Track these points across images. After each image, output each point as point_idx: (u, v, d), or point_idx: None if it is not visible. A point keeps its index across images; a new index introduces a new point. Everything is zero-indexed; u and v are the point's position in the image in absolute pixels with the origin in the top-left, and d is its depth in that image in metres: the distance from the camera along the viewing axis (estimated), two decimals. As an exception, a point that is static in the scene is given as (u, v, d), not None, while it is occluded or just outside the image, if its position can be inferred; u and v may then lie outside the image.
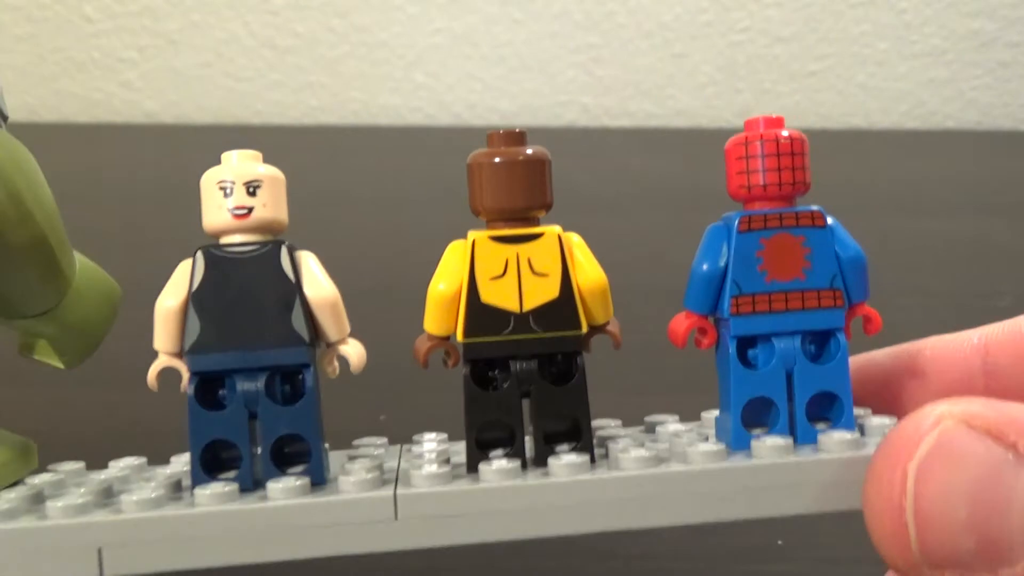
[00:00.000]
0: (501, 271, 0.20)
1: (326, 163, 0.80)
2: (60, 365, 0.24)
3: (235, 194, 0.20)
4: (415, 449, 0.23)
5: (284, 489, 0.19)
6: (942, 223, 0.29)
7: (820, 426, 0.21)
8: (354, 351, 0.20)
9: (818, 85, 0.94)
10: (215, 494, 0.19)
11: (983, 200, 0.71)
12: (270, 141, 0.89)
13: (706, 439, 0.22)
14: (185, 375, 0.20)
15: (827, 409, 0.21)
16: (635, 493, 0.19)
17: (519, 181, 0.21)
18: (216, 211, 0.20)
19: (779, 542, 0.30)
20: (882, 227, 0.53)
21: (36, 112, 0.94)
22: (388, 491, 0.19)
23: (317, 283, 0.20)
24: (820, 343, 0.20)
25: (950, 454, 0.16)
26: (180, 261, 0.22)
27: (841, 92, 0.94)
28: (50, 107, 0.94)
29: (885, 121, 0.92)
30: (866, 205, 0.35)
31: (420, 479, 0.19)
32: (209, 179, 0.20)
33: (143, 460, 0.24)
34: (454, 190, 0.58)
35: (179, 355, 0.20)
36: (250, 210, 0.20)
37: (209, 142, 0.90)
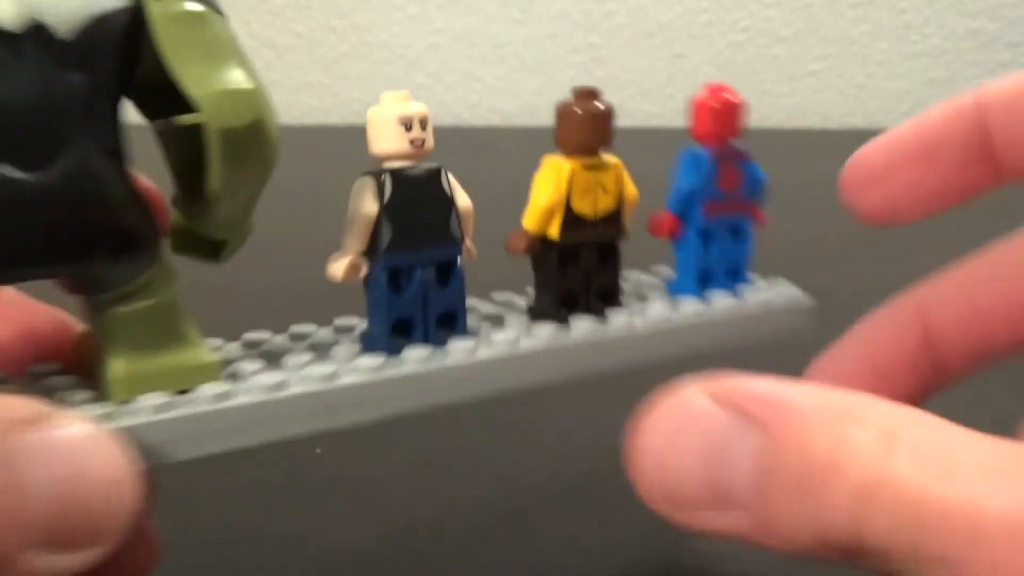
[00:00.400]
0: (586, 189, 0.29)
1: (326, 163, 0.80)
2: (216, 261, 0.26)
3: (414, 129, 0.26)
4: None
5: (503, 342, 0.26)
6: (943, 223, 0.29)
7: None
8: (473, 247, 0.27)
9: (818, 85, 0.94)
10: (424, 355, 0.25)
11: (983, 199, 0.71)
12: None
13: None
14: (364, 269, 0.26)
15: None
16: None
17: (600, 126, 0.28)
18: (397, 140, 0.26)
19: (779, 542, 0.30)
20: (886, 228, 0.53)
21: (36, 112, 0.94)
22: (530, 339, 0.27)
23: (463, 197, 0.27)
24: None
25: (681, 412, 0.19)
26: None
27: (841, 92, 0.94)
28: (50, 107, 0.95)
29: (885, 121, 0.92)
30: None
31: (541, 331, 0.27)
32: (388, 114, 0.27)
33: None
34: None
35: (363, 253, 0.26)
36: (423, 142, 0.26)
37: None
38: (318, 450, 0.35)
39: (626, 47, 0.93)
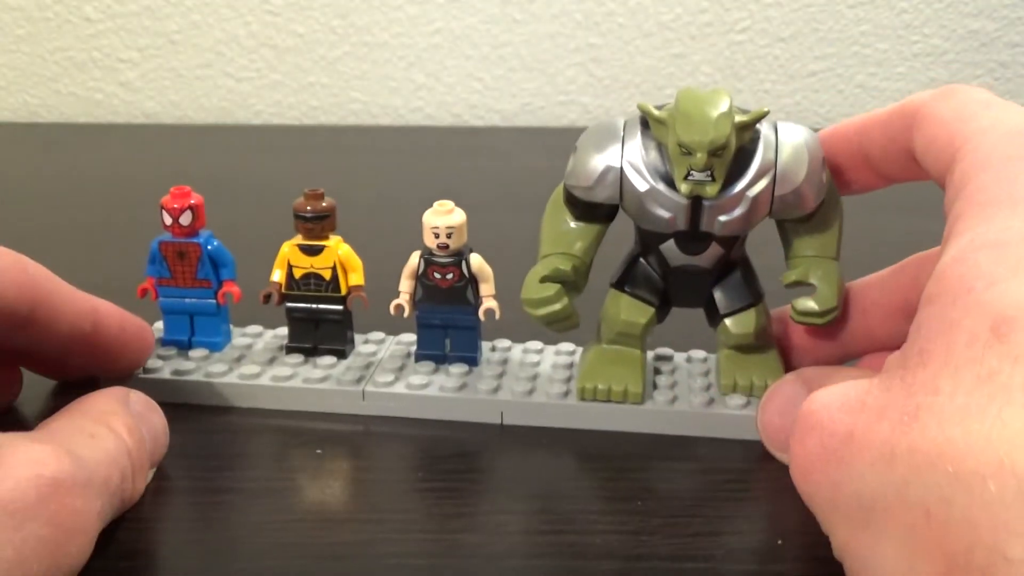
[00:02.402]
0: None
1: (326, 163, 0.80)
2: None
3: (440, 237, 0.36)
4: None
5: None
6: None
7: None
8: (495, 305, 0.37)
9: (818, 85, 0.94)
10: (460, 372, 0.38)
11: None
12: (270, 141, 0.89)
13: None
14: (408, 310, 0.38)
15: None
16: None
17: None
18: (429, 241, 0.37)
19: (779, 541, 0.30)
20: (881, 225, 0.53)
21: (36, 112, 0.94)
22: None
23: (483, 270, 0.37)
24: None
25: (778, 392, 0.33)
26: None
27: (841, 92, 0.94)
28: (50, 107, 0.94)
29: (885, 121, 0.92)
30: (866, 204, 0.35)
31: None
32: (425, 221, 0.36)
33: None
34: (454, 190, 0.58)
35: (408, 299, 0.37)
36: (447, 246, 0.37)
37: (209, 142, 0.90)
38: (318, 451, 0.35)
39: (626, 47, 0.93)
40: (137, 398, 0.32)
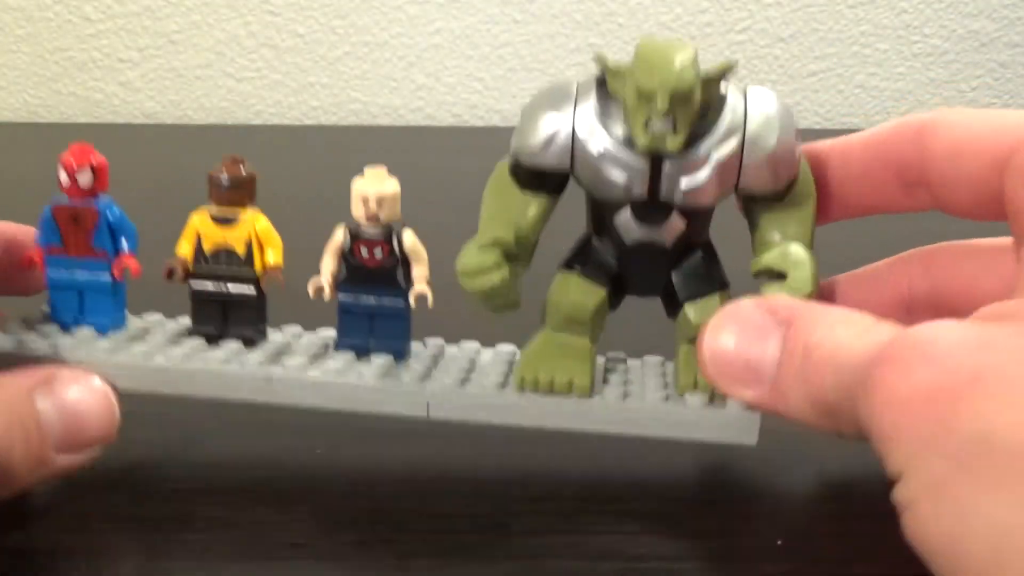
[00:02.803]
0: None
1: (326, 163, 0.80)
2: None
3: (371, 205, 0.32)
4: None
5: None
6: (942, 222, 0.29)
7: None
8: (427, 291, 0.33)
9: (818, 85, 0.94)
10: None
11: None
12: (270, 141, 0.89)
13: None
14: (329, 292, 0.33)
15: None
16: None
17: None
18: (357, 210, 0.33)
19: (778, 542, 0.30)
20: (881, 226, 0.53)
21: (36, 112, 0.94)
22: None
23: (417, 251, 0.33)
24: None
25: (737, 315, 0.28)
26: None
27: (841, 92, 0.94)
28: (50, 107, 0.94)
29: (885, 121, 0.92)
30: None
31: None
32: (354, 189, 0.33)
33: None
34: (454, 190, 0.58)
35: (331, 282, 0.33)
36: (377, 217, 0.33)
37: (209, 142, 0.90)
38: (318, 451, 0.35)
39: (626, 47, 0.93)
40: (65, 376, 0.30)
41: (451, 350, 0.35)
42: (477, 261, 0.30)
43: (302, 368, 0.32)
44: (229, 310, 0.34)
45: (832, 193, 0.32)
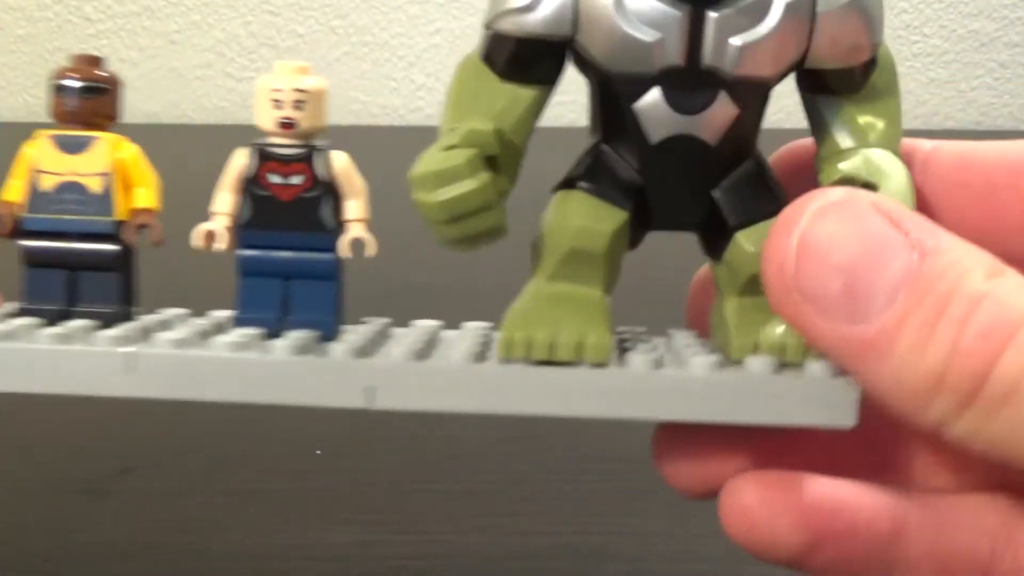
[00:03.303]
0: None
1: (326, 163, 0.80)
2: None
3: (285, 108, 0.24)
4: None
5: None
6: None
7: None
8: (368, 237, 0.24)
9: (818, 85, 0.94)
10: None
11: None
12: (270, 141, 0.89)
13: None
14: (227, 239, 0.24)
15: None
16: None
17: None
18: (265, 116, 0.24)
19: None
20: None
21: (36, 112, 0.94)
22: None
23: (351, 182, 0.25)
24: None
25: (849, 211, 0.19)
26: (179, 259, 0.22)
27: (841, 92, 0.94)
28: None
29: (885, 121, 0.92)
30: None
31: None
32: (261, 86, 0.24)
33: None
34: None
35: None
36: (294, 123, 0.24)
37: (209, 142, 0.90)
38: (318, 451, 0.35)
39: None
40: None
41: (400, 329, 0.25)
42: (441, 162, 0.21)
43: (176, 344, 0.22)
44: (79, 280, 0.25)
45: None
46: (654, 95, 0.22)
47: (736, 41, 0.21)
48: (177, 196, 0.39)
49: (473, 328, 0.24)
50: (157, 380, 0.22)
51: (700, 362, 0.21)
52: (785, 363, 0.22)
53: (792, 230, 0.19)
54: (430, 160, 0.22)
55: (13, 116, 0.94)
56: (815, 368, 0.21)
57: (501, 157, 0.22)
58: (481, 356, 0.22)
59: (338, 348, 0.22)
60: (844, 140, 0.23)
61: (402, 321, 0.26)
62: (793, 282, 0.19)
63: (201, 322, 0.25)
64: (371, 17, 0.92)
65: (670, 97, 0.22)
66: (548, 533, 0.30)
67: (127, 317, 0.24)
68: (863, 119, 0.23)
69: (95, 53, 0.26)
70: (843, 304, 0.18)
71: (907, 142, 0.24)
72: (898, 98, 0.24)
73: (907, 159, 0.23)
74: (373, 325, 0.24)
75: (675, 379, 0.21)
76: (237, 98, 0.94)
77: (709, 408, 0.21)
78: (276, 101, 0.24)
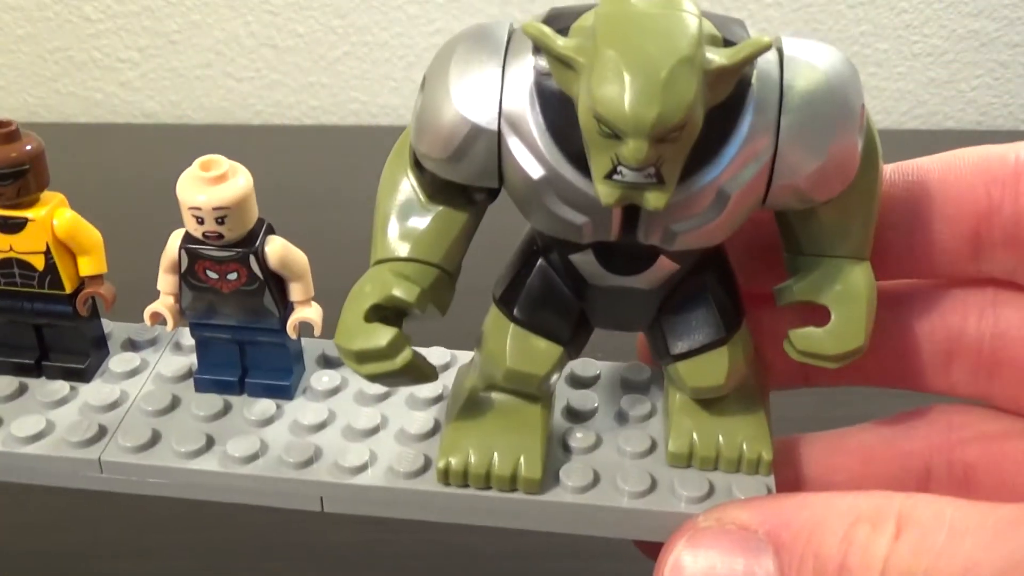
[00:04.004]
0: None
1: (326, 163, 0.80)
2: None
3: (207, 223, 0.23)
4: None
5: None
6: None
7: None
8: (310, 315, 0.25)
9: (818, 85, 0.94)
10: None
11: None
12: (270, 141, 0.89)
13: None
14: (172, 321, 0.25)
15: None
16: None
17: None
18: (193, 228, 0.24)
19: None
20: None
21: (36, 112, 0.94)
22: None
23: (291, 264, 0.25)
24: None
25: (697, 549, 0.19)
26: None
27: (841, 92, 0.94)
28: (50, 107, 0.94)
29: (885, 121, 0.92)
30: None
31: None
32: (182, 199, 0.23)
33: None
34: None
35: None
36: (220, 235, 0.23)
37: (209, 142, 0.90)
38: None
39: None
40: None
41: (354, 379, 0.25)
42: (363, 343, 0.21)
43: (141, 447, 0.23)
44: (46, 331, 0.25)
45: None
46: (588, 256, 0.21)
47: (677, 227, 0.19)
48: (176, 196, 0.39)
49: (426, 390, 0.25)
50: (123, 481, 0.23)
51: (627, 484, 0.22)
52: (713, 477, 0.22)
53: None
54: (352, 331, 0.20)
55: (13, 116, 0.94)
56: (736, 493, 0.22)
57: (432, 299, 0.21)
58: (423, 466, 0.23)
59: (290, 456, 0.23)
60: (811, 244, 0.20)
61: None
62: None
63: (168, 369, 0.25)
64: (371, 17, 0.92)
65: (604, 261, 0.21)
66: (548, 532, 0.30)
67: (94, 365, 0.25)
68: (830, 226, 0.20)
69: (11, 123, 0.24)
70: None
71: (995, 151, 0.22)
72: (876, 192, 0.20)
73: (996, 169, 0.22)
74: (326, 381, 0.25)
75: (598, 508, 0.22)
76: (237, 98, 0.94)
77: (629, 532, 0.23)
78: (197, 218, 0.23)
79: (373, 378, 0.21)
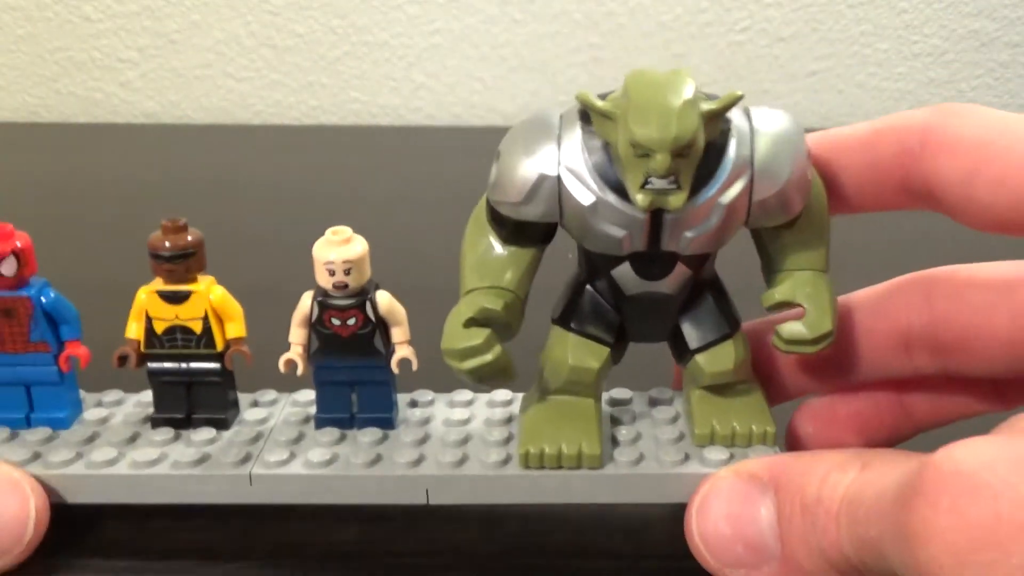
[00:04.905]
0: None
1: (326, 163, 0.80)
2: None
3: (337, 274, 0.29)
4: None
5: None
6: (943, 223, 0.29)
7: None
8: (410, 352, 0.31)
9: (818, 85, 0.94)
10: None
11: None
12: (270, 141, 0.89)
13: None
14: (302, 366, 0.31)
15: None
16: None
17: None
18: (323, 280, 0.30)
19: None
20: (887, 226, 0.53)
21: (36, 112, 0.94)
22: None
23: (394, 314, 0.31)
24: None
25: (715, 492, 0.26)
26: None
27: (841, 92, 0.94)
28: (50, 107, 0.94)
29: (885, 121, 0.92)
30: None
31: None
32: (317, 256, 0.30)
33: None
34: (454, 190, 0.58)
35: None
36: (346, 285, 0.30)
37: (209, 142, 0.90)
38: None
39: (626, 47, 0.92)
40: None
41: (441, 410, 0.32)
42: (465, 342, 0.27)
43: (283, 462, 0.29)
44: (194, 389, 0.31)
45: (829, 193, 0.29)
46: (625, 267, 0.28)
47: (689, 234, 0.27)
48: (178, 196, 0.39)
49: (498, 413, 0.32)
50: (269, 492, 0.29)
51: (667, 458, 0.29)
52: (733, 448, 0.29)
53: (694, 526, 0.26)
54: (455, 337, 0.27)
55: (13, 116, 0.94)
56: (756, 453, 0.29)
57: (508, 320, 0.28)
58: (506, 459, 0.29)
59: (399, 455, 0.29)
60: (784, 262, 0.29)
61: (409, 321, 0.31)
62: (714, 560, 0.26)
63: (291, 414, 0.32)
64: (371, 17, 0.92)
65: (638, 269, 0.28)
66: (550, 530, 0.30)
67: (235, 414, 0.32)
68: (796, 244, 0.28)
69: (180, 220, 0.30)
70: (751, 559, 0.25)
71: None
72: (826, 219, 0.29)
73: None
74: (419, 412, 0.32)
75: (647, 475, 0.29)
76: (237, 98, 0.94)
77: (675, 494, 0.28)
78: (329, 270, 0.29)
79: (472, 373, 0.27)
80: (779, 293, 0.28)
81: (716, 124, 0.26)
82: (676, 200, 0.25)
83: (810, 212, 0.28)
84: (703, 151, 0.25)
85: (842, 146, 0.29)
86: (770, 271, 0.29)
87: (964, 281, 0.29)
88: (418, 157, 0.81)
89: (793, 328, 0.28)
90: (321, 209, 0.66)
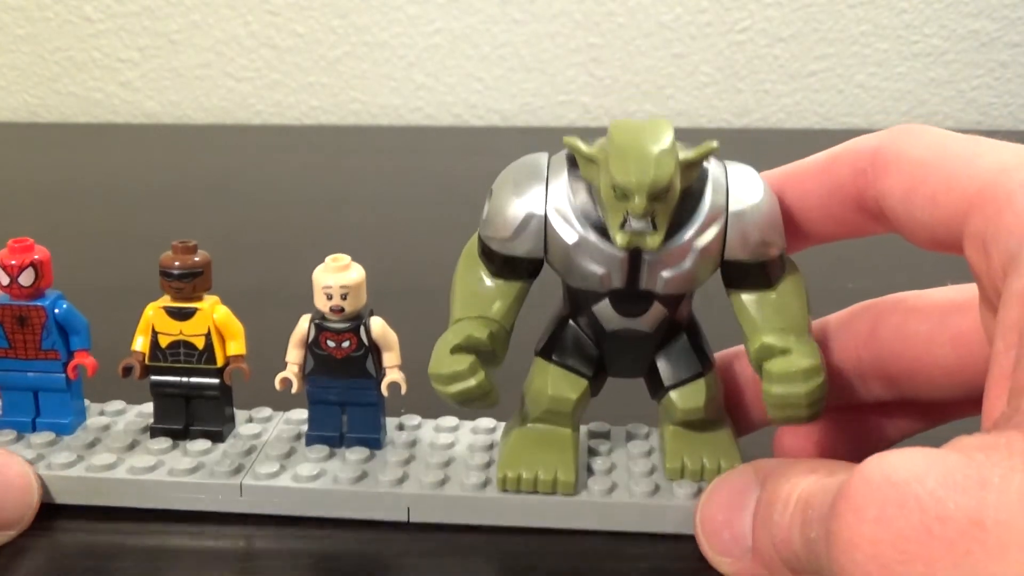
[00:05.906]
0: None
1: (326, 163, 0.80)
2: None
3: (334, 299, 0.31)
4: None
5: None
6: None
7: None
8: (400, 377, 0.33)
9: (818, 85, 0.94)
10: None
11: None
12: (270, 141, 0.89)
13: None
14: (297, 384, 0.33)
15: None
16: None
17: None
18: (321, 304, 0.32)
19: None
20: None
21: (36, 112, 0.94)
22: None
23: (386, 339, 0.33)
24: None
25: (725, 479, 0.28)
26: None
27: (841, 92, 0.94)
28: (50, 107, 0.94)
29: (885, 121, 0.92)
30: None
31: None
32: (316, 281, 0.31)
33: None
34: (454, 190, 0.58)
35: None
36: (342, 309, 0.31)
37: (209, 142, 0.90)
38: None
39: (626, 47, 0.92)
40: None
41: (427, 433, 0.34)
42: (450, 368, 0.29)
43: (273, 475, 0.31)
44: (193, 403, 0.33)
45: (791, 226, 0.29)
46: (605, 304, 0.29)
47: (665, 274, 0.28)
48: (177, 196, 0.39)
49: (480, 439, 0.33)
50: (258, 502, 0.31)
51: (637, 487, 0.30)
52: (701, 484, 0.30)
53: (701, 505, 0.28)
54: (441, 363, 0.29)
55: (13, 116, 0.94)
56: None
57: (494, 348, 0.29)
58: (485, 482, 0.31)
59: (383, 474, 0.31)
60: (766, 327, 0.29)
61: (407, 321, 0.32)
62: (705, 541, 0.28)
63: (284, 431, 0.34)
64: (371, 17, 0.92)
65: (617, 306, 0.29)
66: (548, 531, 0.30)
67: (230, 427, 0.34)
68: (779, 308, 0.29)
69: (190, 241, 0.32)
70: (730, 549, 0.27)
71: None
72: (804, 293, 0.30)
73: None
74: (405, 434, 0.33)
75: (619, 504, 0.30)
76: (237, 98, 0.94)
77: (644, 525, 0.30)
78: (327, 295, 0.31)
79: (458, 396, 0.29)
80: (769, 339, 0.29)
81: (692, 171, 0.27)
82: (652, 241, 0.27)
83: (788, 282, 0.30)
84: (680, 196, 0.27)
85: (803, 174, 0.29)
86: (753, 337, 0.30)
87: (908, 310, 0.30)
88: (418, 157, 0.81)
89: (785, 370, 0.28)
90: (321, 209, 0.66)
